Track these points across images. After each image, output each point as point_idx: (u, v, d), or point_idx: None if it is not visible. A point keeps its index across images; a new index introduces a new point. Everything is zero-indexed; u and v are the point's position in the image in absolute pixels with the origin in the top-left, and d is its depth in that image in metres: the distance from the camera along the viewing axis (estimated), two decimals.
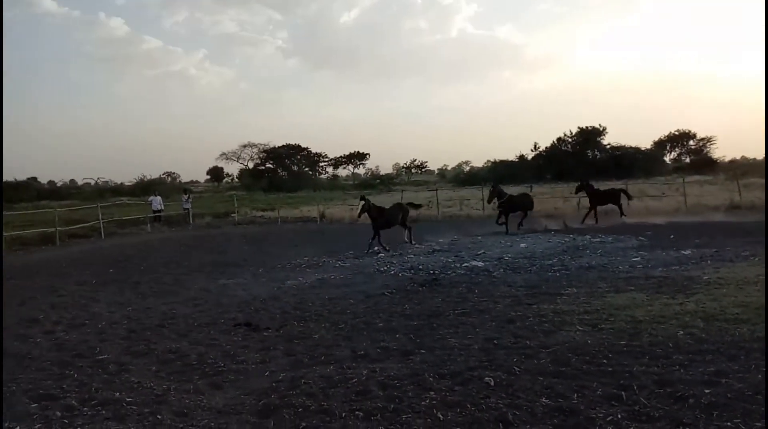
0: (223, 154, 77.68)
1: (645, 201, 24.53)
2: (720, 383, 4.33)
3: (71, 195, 55.36)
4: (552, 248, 13.83)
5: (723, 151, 73.65)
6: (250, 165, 77.15)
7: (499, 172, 57.64)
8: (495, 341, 5.96)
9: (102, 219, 23.18)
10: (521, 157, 64.08)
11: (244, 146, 76.27)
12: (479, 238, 17.05)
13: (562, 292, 8.45)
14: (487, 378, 4.76)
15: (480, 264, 12.07)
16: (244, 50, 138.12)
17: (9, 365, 5.93)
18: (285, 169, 75.88)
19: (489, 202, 20.25)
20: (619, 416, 3.88)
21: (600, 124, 62.68)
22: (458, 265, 12.16)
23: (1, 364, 5.98)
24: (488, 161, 73.31)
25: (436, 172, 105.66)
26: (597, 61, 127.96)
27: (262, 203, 37.26)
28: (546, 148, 63.76)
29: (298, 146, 78.45)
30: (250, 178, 72.30)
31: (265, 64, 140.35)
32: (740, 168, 47.62)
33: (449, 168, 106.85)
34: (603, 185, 32.12)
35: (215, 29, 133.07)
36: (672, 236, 14.78)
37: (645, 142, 69.20)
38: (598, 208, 20.33)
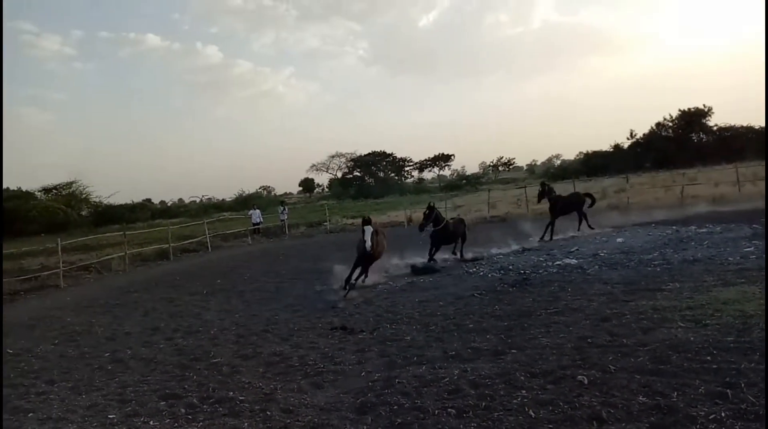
0: (313, 165, 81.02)
1: (758, 185, 22.38)
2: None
3: (180, 213, 60.08)
4: (652, 242, 13.10)
5: None
6: (339, 174, 79.68)
7: (593, 164, 55.11)
8: (589, 339, 5.85)
9: (208, 234, 25.05)
10: (616, 147, 60.64)
11: (333, 156, 79.05)
12: (572, 234, 16.47)
13: (663, 287, 8.03)
14: (580, 376, 4.71)
15: (573, 261, 11.73)
16: (327, 63, 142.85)
17: (139, 368, 6.72)
18: (372, 175, 77.47)
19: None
20: (723, 414, 3.72)
21: (705, 105, 57.87)
22: (550, 263, 11.89)
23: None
24: (580, 153, 70.12)
25: (525, 167, 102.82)
26: (696, 36, 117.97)
27: (352, 211, 38.37)
28: (643, 134, 59.92)
29: (384, 152, 79.84)
30: (339, 186, 74.61)
31: (347, 75, 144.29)
32: None
33: (539, 163, 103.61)
34: (713, 172, 29.83)
35: (299, 46, 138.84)
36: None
37: (759, 121, 62.83)
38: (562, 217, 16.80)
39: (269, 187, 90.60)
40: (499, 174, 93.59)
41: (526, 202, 26.59)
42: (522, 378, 4.89)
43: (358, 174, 78.20)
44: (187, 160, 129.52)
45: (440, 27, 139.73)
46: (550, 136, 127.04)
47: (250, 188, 78.85)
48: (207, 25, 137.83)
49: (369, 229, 10.70)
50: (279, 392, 5.35)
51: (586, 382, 4.60)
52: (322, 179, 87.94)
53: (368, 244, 10.55)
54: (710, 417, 3.72)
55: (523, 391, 4.58)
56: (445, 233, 13.60)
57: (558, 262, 11.84)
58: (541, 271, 11.00)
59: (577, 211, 16.97)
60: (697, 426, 3.65)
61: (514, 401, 4.41)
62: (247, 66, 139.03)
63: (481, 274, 11.41)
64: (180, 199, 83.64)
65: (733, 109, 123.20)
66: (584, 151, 66.88)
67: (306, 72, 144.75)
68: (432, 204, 14.01)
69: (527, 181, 56.14)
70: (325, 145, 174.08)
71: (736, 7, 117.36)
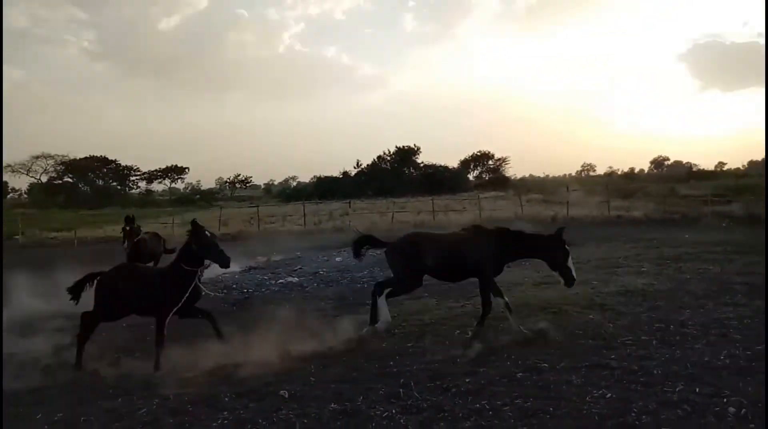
0: (8, 166, 66.69)
1: (449, 215, 27.19)
2: (479, 373, 5.09)
3: None
4: (365, 261, 14.59)
5: (516, 169, 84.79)
6: (44, 178, 67.56)
7: (324, 188, 58.88)
8: (295, 354, 6.12)
9: None
10: (345, 173, 66.39)
11: (37, 157, 66.51)
12: (298, 253, 17.25)
13: (367, 302, 9.01)
14: (282, 391, 4.91)
15: (295, 279, 12.28)
16: (38, 49, 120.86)
17: None
18: (88, 183, 67.96)
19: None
20: (394, 411, 4.34)
21: (414, 144, 67.99)
22: (273, 282, 12.21)
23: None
24: (314, 177, 74.40)
25: (263, 187, 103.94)
26: (418, 83, 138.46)
27: (57, 223, 32.87)
28: (367, 165, 67.05)
29: (105, 158, 70.97)
30: (42, 193, 63.21)
31: (67, 67, 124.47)
32: (525, 185, 55.36)
33: (276, 183, 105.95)
34: (418, 202, 35.28)
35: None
36: None
37: (453, 161, 76.66)
38: None
39: None
40: (236, 191, 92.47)
41: (258, 221, 26.86)
42: (226, 399, 4.85)
43: (70, 180, 67.62)
44: None
45: (183, 34, 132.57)
46: (289, 159, 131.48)
47: None
48: None
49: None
50: None
51: (287, 396, 4.82)
52: (20, 183, 73.32)
53: None
54: (384, 415, 4.29)
55: (225, 413, 4.55)
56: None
57: (281, 281, 12.24)
58: (263, 290, 11.19)
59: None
60: (374, 424, 4.17)
61: (214, 424, 4.34)
62: None
63: (202, 293, 10.99)
64: None
65: (436, 150, 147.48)
66: (318, 175, 71.28)
67: (7, 55, 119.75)
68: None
69: (263, 200, 56.83)
70: (28, 143, 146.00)
71: (454, 59, 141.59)
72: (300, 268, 13.84)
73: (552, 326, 6.39)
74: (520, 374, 5.02)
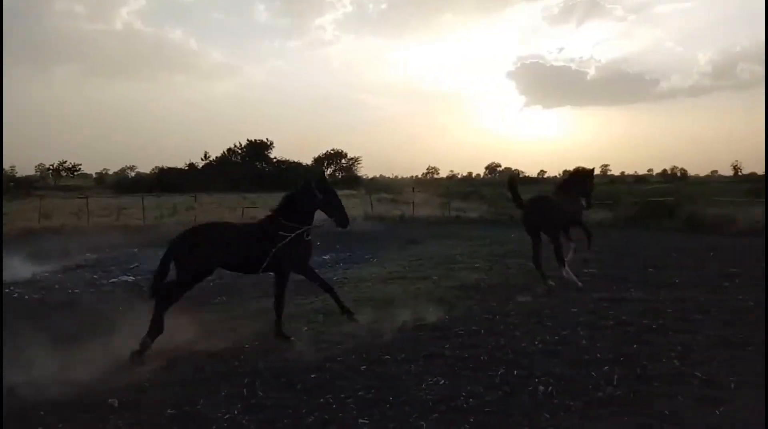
0: None
1: None
2: (325, 368, 5.19)
3: None
4: None
5: (367, 170, 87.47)
6: None
7: (167, 180, 54.99)
8: (121, 363, 5.63)
9: None
10: (191, 166, 62.67)
11: None
12: (135, 250, 15.92)
13: (213, 301, 8.67)
14: (111, 400, 4.52)
15: (131, 278, 11.34)
16: None
17: None
18: None
19: None
20: (236, 412, 4.24)
21: (267, 138, 66.59)
22: (105, 281, 11.14)
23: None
24: (156, 167, 68.98)
25: (95, 176, 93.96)
26: (272, 77, 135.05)
27: None
28: (216, 157, 64.05)
29: None
30: None
31: None
32: (376, 185, 57.31)
33: (110, 172, 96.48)
34: (270, 198, 34.38)
35: None
36: (318, 243, 16.75)
37: (307, 158, 76.53)
38: None
39: None
40: (61, 180, 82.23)
41: (87, 214, 24.19)
42: (42, 413, 4.32)
43: None
44: None
45: None
46: (127, 146, 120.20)
47: None
48: None
49: None
50: None
51: (116, 404, 4.45)
52: None
53: None
54: (226, 417, 4.17)
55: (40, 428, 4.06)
56: None
57: (114, 280, 11.22)
58: (92, 290, 10.15)
59: None
60: (214, 427, 4.04)
61: None
62: None
63: (15, 295, 9.64)
64: None
65: (289, 146, 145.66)
66: (160, 166, 66.32)
67: None
68: None
69: (94, 191, 51.34)
70: None
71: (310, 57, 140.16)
72: (136, 267, 12.79)
73: (395, 319, 6.75)
74: (364, 367, 5.22)
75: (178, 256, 6.02)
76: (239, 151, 65.29)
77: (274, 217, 6.34)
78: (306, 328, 6.76)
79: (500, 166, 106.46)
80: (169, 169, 63.09)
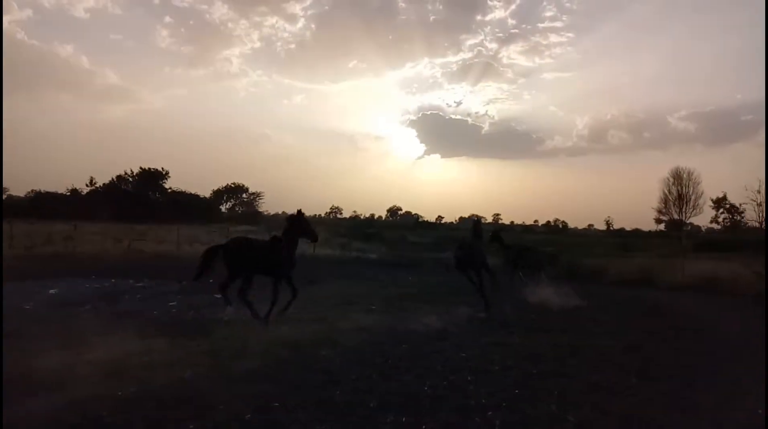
0: None
1: (194, 246, 25.85)
2: (205, 416, 4.87)
3: None
4: (89, 293, 12.84)
5: (269, 205, 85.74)
6: None
7: (43, 205, 50.22)
8: None
9: None
10: (74, 191, 57.79)
11: None
12: None
13: (85, 341, 7.88)
14: None
15: None
16: None
17: None
18: None
19: None
20: None
21: (162, 168, 63.33)
22: None
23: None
24: (32, 191, 62.67)
25: None
26: (172, 105, 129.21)
27: None
28: (104, 184, 59.70)
29: None
30: None
31: None
32: (277, 221, 56.34)
33: None
34: (161, 230, 32.46)
35: None
36: (211, 280, 15.98)
37: (205, 191, 73.60)
38: None
39: None
40: None
41: None
42: None
43: None
44: None
45: None
46: None
47: None
48: None
49: None
50: None
51: None
52: None
53: None
54: None
55: None
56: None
57: None
58: None
59: None
60: None
61: None
62: None
63: None
64: None
65: (187, 177, 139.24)
66: (36, 190, 60.48)
67: None
68: None
69: None
70: None
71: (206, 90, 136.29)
72: None
73: (287, 362, 6.55)
74: (249, 415, 4.97)
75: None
76: (130, 179, 61.34)
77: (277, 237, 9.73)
78: (189, 371, 6.32)
79: (401, 209, 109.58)
80: (47, 193, 57.62)
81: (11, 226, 24.87)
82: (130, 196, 57.87)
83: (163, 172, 62.88)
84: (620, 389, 6.12)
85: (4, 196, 76.43)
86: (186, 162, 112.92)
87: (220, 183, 79.14)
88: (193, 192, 64.85)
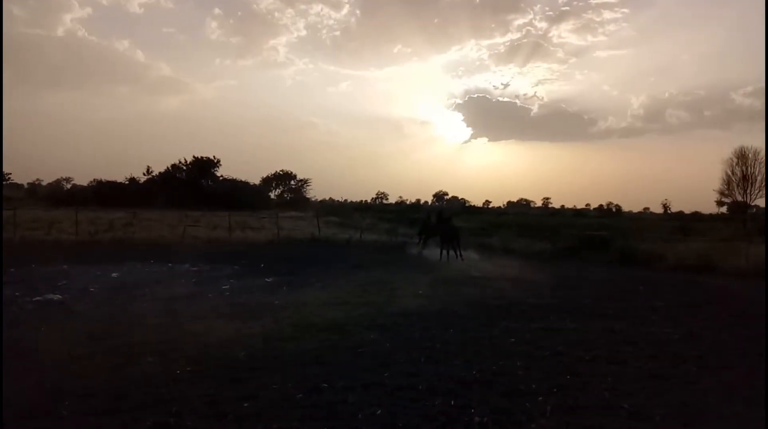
0: None
1: (246, 232, 26.55)
2: (258, 396, 5.02)
3: None
4: (147, 278, 13.42)
5: (317, 192, 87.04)
6: None
7: (105, 193, 52.77)
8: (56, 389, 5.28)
9: None
10: (132, 180, 60.33)
11: None
12: (65, 267, 15.04)
13: (144, 323, 8.26)
14: None
15: (57, 297, 10.66)
16: None
17: None
18: None
19: None
20: None
21: (214, 156, 65.11)
22: (28, 299, 10.42)
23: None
24: (94, 180, 65.86)
25: (26, 186, 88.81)
26: (222, 94, 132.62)
27: None
28: (160, 173, 62.02)
29: None
30: None
31: None
32: (324, 208, 57.15)
33: (44, 183, 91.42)
34: (213, 217, 33.48)
35: None
36: (262, 265, 16.43)
37: (255, 178, 75.35)
38: None
39: None
40: None
41: (14, 227, 22.73)
42: None
43: None
44: None
45: None
46: (63, 157, 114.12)
47: None
48: None
49: None
50: None
51: None
52: None
53: None
54: None
55: None
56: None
57: (38, 298, 10.51)
58: (14, 308, 9.47)
59: None
60: None
61: None
62: None
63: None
64: None
65: (237, 164, 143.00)
66: (98, 179, 63.50)
67: None
68: None
69: (25, 202, 48.49)
70: None
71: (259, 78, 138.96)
72: (65, 284, 12.07)
73: (336, 345, 6.66)
74: (300, 395, 5.08)
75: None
76: (184, 168, 63.41)
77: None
78: (243, 352, 6.53)
79: (447, 194, 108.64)
80: (108, 182, 60.44)
81: (76, 213, 26.27)
82: (185, 184, 59.88)
83: (215, 161, 64.67)
84: (678, 378, 5.89)
85: (69, 185, 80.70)
86: (236, 150, 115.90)
87: (269, 170, 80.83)
88: (243, 179, 66.49)
